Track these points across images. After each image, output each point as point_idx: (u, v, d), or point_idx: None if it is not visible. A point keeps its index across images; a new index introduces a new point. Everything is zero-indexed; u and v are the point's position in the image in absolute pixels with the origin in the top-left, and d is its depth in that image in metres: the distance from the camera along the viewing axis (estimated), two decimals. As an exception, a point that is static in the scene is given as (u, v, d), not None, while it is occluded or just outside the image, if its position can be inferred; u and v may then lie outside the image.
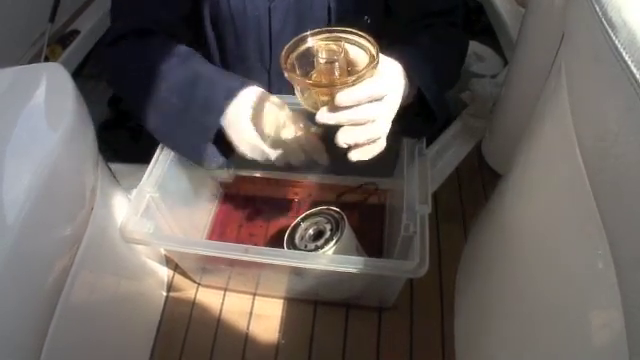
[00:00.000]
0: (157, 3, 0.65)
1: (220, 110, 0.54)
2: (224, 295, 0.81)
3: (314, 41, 0.46)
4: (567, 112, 0.41)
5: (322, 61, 0.44)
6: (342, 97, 0.42)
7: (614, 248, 0.32)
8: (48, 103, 0.52)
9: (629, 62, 0.30)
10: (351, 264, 0.56)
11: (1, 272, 0.40)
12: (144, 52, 0.61)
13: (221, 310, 0.79)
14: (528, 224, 0.53)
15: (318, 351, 0.74)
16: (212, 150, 0.57)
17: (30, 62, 1.13)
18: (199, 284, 0.82)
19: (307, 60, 0.46)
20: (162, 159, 0.67)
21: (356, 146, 0.46)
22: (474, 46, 1.24)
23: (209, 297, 0.81)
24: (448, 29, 0.65)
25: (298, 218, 0.72)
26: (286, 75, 0.44)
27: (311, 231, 0.70)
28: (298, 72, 0.46)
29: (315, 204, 0.82)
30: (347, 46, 0.45)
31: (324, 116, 0.44)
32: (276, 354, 0.74)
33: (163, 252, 0.82)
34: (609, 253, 0.32)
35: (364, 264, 0.55)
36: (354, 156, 0.47)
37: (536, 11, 0.71)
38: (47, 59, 1.13)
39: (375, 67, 0.44)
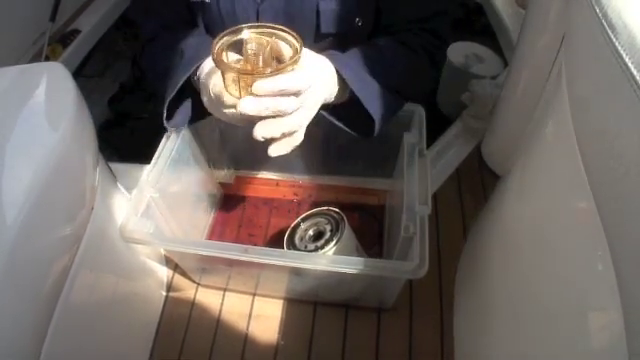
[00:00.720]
0: (162, 7, 0.69)
1: (189, 64, 0.58)
2: (224, 295, 0.81)
3: (249, 33, 0.48)
4: (567, 113, 0.41)
5: (249, 52, 0.47)
6: (257, 85, 0.45)
7: (614, 249, 0.32)
8: (48, 102, 0.52)
9: (629, 64, 0.30)
10: (351, 265, 0.56)
11: (0, 272, 0.40)
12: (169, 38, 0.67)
13: (221, 310, 0.79)
14: (528, 225, 0.53)
15: (317, 352, 0.74)
16: (175, 108, 0.62)
17: (31, 61, 1.13)
18: (199, 284, 0.82)
19: (239, 50, 0.49)
20: (162, 159, 0.67)
21: (272, 140, 0.49)
22: (474, 47, 1.24)
23: (209, 297, 0.81)
24: (424, 35, 0.65)
25: (298, 219, 0.72)
26: (212, 58, 0.46)
27: (311, 232, 0.70)
28: (226, 58, 0.48)
29: (315, 204, 0.82)
30: (279, 42, 0.48)
31: (242, 105, 0.47)
32: (275, 354, 0.74)
33: (163, 252, 0.82)
34: (608, 254, 0.32)
35: (364, 265, 0.55)
36: (272, 151, 0.50)
37: (536, 12, 0.71)
38: (48, 58, 1.13)
39: (296, 62, 0.46)
